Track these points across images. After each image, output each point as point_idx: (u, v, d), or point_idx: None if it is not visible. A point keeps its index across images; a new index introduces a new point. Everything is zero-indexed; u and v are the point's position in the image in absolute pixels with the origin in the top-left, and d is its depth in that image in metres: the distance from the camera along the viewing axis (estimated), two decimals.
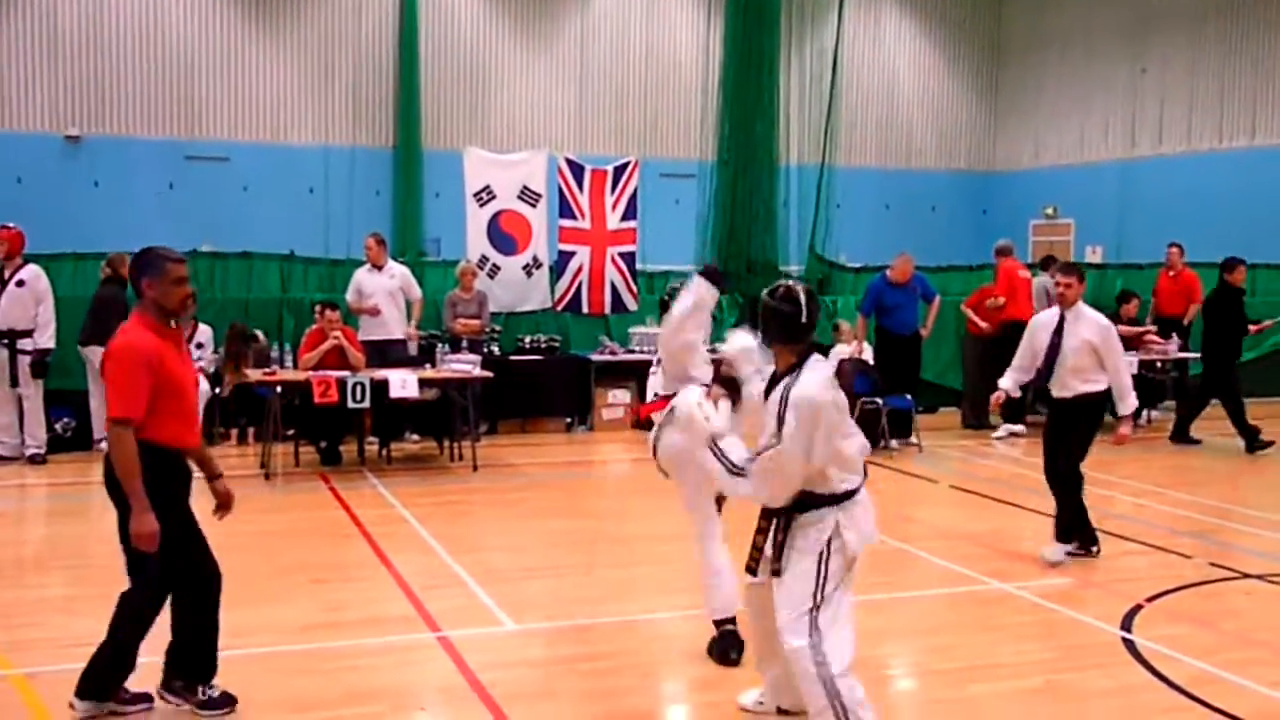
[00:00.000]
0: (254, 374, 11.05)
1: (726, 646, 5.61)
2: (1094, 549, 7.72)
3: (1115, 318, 14.03)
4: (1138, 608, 6.63)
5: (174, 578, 4.98)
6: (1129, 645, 6.02)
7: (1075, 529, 7.69)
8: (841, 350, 13.34)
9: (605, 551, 8.17)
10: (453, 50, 17.49)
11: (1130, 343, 13.92)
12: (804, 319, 4.38)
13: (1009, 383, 8.06)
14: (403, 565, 7.39)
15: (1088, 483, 7.81)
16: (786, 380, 4.36)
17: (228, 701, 5.02)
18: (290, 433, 11.20)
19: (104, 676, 4.89)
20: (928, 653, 6.05)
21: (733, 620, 5.60)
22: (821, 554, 4.47)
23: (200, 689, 5.01)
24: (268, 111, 16.82)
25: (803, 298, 4.41)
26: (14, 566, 7.59)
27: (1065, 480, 7.66)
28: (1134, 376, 13.25)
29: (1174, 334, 14.03)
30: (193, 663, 5.04)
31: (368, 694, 5.26)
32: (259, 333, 12.21)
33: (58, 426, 11.33)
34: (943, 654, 5.96)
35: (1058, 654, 5.92)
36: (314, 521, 8.79)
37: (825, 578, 4.46)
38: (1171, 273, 14.41)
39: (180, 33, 16.26)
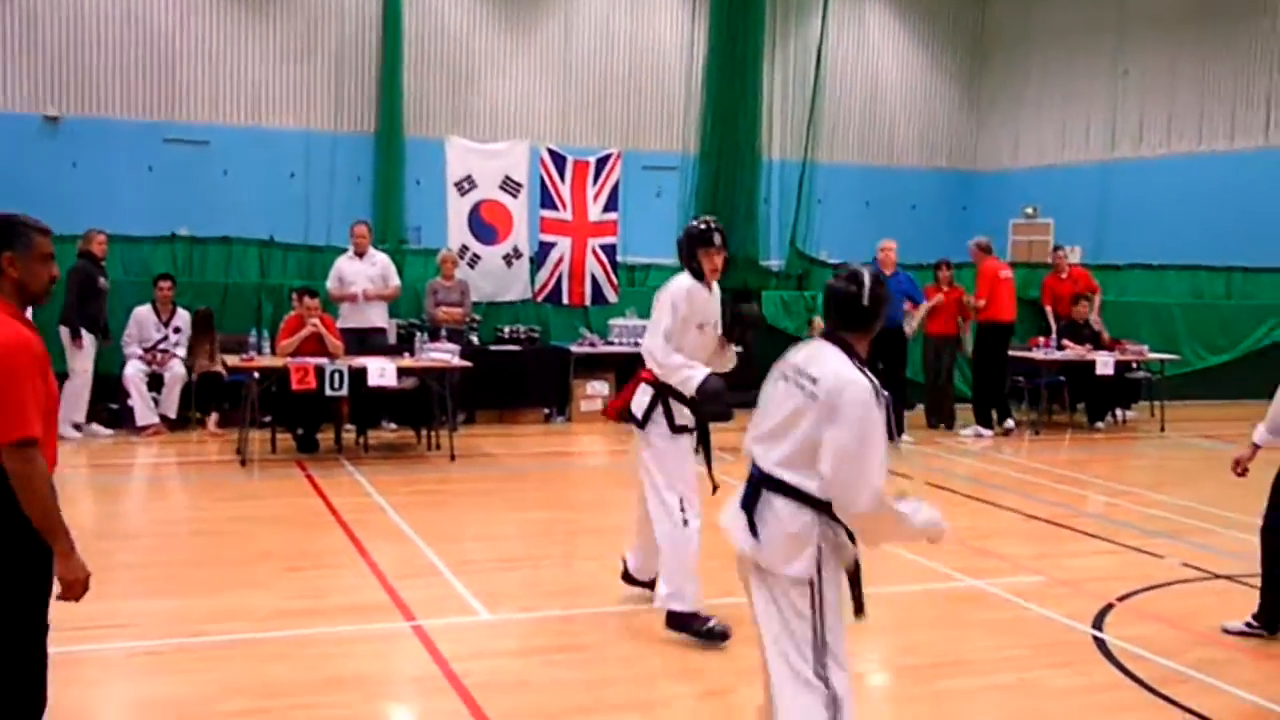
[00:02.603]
0: (230, 360, 11.02)
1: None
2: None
3: (1069, 319, 14.18)
4: (1109, 607, 6.69)
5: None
6: (1100, 644, 6.07)
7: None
8: None
9: (582, 543, 8.19)
10: (436, 37, 17.41)
11: (1104, 345, 14.05)
12: (865, 302, 3.99)
13: (1261, 437, 6.32)
14: (378, 554, 7.38)
15: (1061, 482, 7.85)
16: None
17: None
18: (267, 419, 11.17)
19: None
20: (899, 649, 6.09)
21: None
22: None
23: None
24: (248, 95, 16.69)
25: (867, 279, 4.03)
26: None
27: None
28: (1108, 378, 13.53)
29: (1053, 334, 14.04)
30: None
31: (341, 682, 5.26)
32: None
33: None
34: (914, 650, 6.00)
35: (1029, 651, 5.97)
36: (290, 509, 8.77)
37: None
38: (1062, 275, 14.54)
39: (161, 13, 16.12)
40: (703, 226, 6.09)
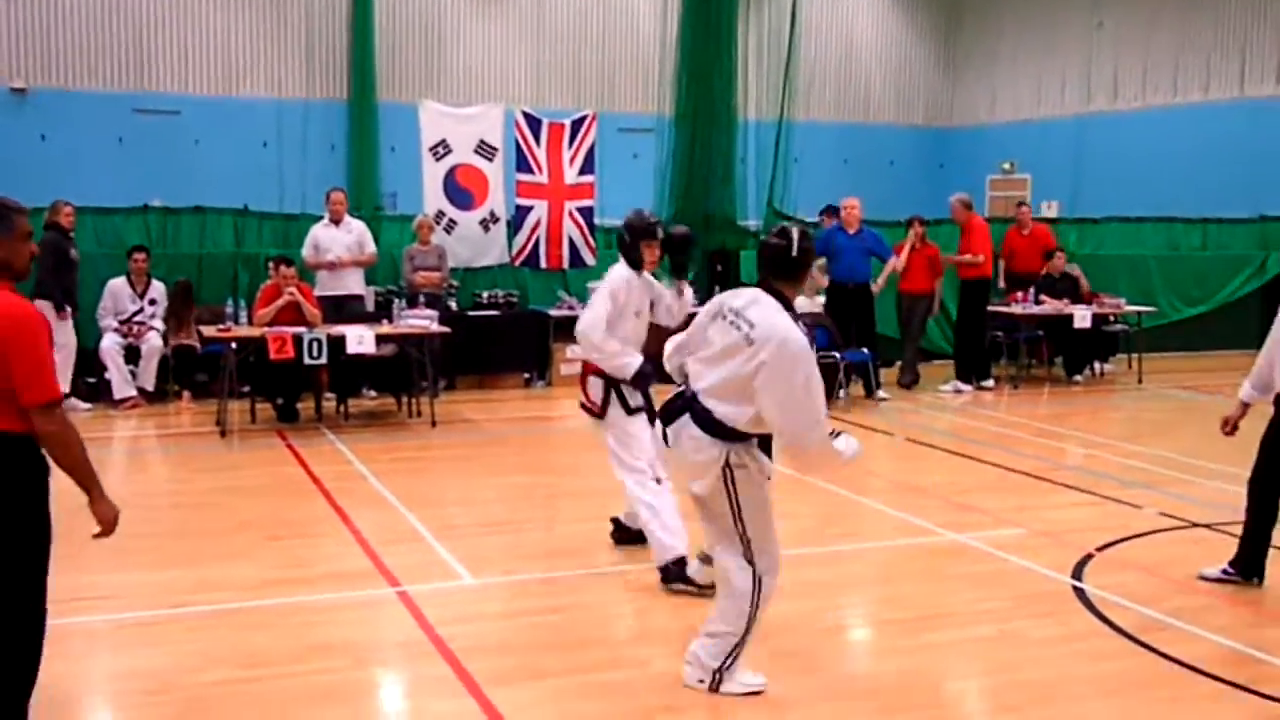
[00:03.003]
0: (206, 330, 10.96)
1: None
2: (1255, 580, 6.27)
3: (1045, 275, 14.20)
4: (1088, 557, 6.75)
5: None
6: (1079, 594, 6.13)
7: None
8: (800, 303, 13.39)
9: (563, 506, 8.21)
10: (408, 1, 17.25)
11: (1083, 299, 14.10)
12: (795, 253, 4.64)
13: (1248, 394, 6.29)
14: (361, 521, 7.38)
15: (1040, 435, 7.90)
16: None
17: None
18: (246, 389, 11.12)
19: None
20: (882, 603, 6.15)
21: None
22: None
23: None
24: (219, 64, 16.53)
25: (794, 234, 4.68)
26: None
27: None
28: (1086, 331, 13.59)
29: (1030, 289, 13.93)
30: None
31: (327, 649, 5.27)
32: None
33: None
34: (897, 604, 6.05)
35: (1009, 603, 6.02)
36: (271, 478, 8.76)
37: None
38: (1024, 231, 14.31)
39: None
40: (647, 221, 6.47)
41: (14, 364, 3.78)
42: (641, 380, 6.29)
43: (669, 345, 5.08)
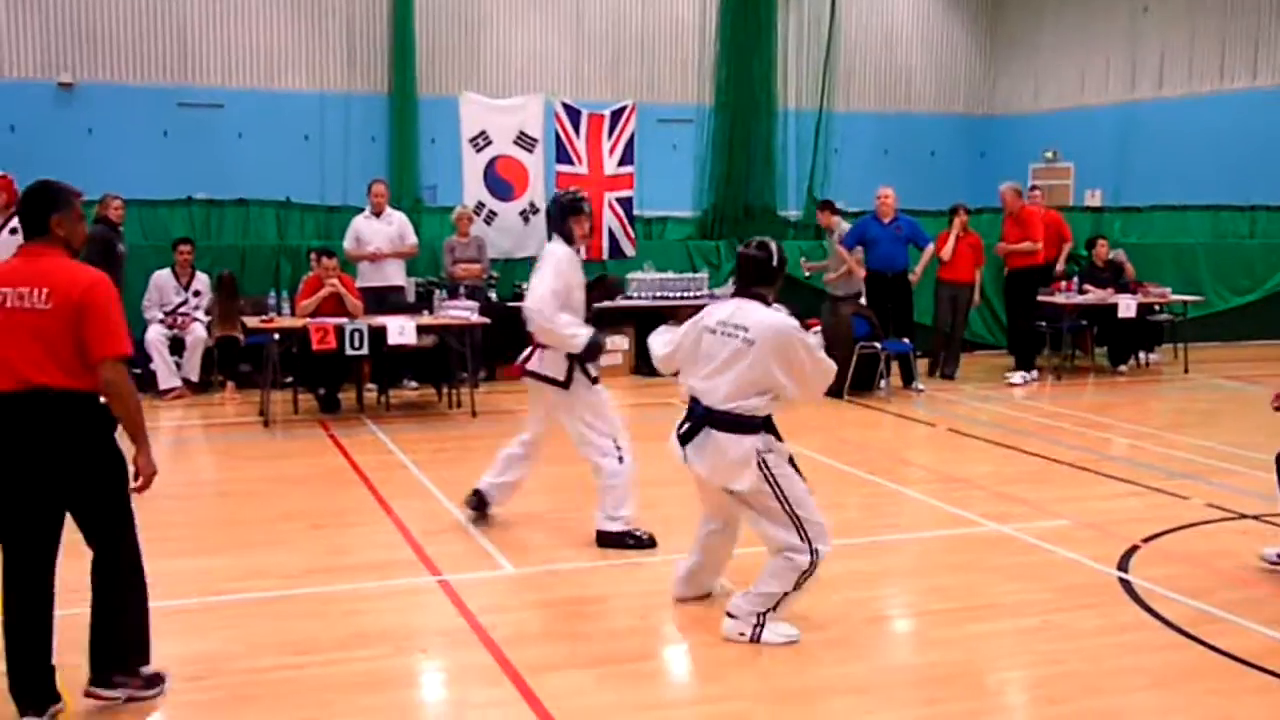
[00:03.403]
0: (250, 321, 11.05)
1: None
2: None
3: (1089, 261, 14.02)
4: (1134, 548, 6.67)
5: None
6: (1125, 585, 6.07)
7: None
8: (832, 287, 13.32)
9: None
10: None
11: (1128, 287, 13.93)
12: (776, 263, 5.24)
13: None
14: (402, 510, 7.42)
15: (1084, 426, 7.82)
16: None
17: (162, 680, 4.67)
18: (289, 380, 11.21)
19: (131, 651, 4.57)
20: (926, 593, 6.10)
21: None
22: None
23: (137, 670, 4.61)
24: (262, 58, 16.66)
25: (774, 246, 5.26)
26: None
27: None
28: (1131, 320, 13.40)
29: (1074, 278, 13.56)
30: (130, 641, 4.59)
31: (369, 637, 5.30)
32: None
33: None
34: (940, 594, 6.00)
35: (1054, 594, 5.96)
36: (314, 468, 8.82)
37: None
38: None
39: None
40: (574, 197, 6.81)
41: (90, 322, 4.25)
42: (592, 352, 6.56)
43: (662, 342, 5.50)
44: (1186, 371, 13.73)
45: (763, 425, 5.11)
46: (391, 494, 7.86)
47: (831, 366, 5.17)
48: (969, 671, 5.02)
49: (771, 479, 5.08)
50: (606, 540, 6.62)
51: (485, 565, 6.40)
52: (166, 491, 8.27)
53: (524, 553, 6.57)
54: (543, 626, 5.50)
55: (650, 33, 18.37)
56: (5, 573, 4.39)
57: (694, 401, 5.19)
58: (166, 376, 11.56)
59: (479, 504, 7.09)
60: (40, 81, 15.56)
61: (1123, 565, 6.37)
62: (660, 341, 5.57)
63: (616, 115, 14.03)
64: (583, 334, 6.54)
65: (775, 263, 5.23)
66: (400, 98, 16.67)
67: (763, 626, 5.16)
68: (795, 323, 5.10)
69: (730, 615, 5.21)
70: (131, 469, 4.47)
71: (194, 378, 11.77)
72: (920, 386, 12.28)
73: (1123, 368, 13.87)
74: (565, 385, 6.60)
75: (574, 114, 13.88)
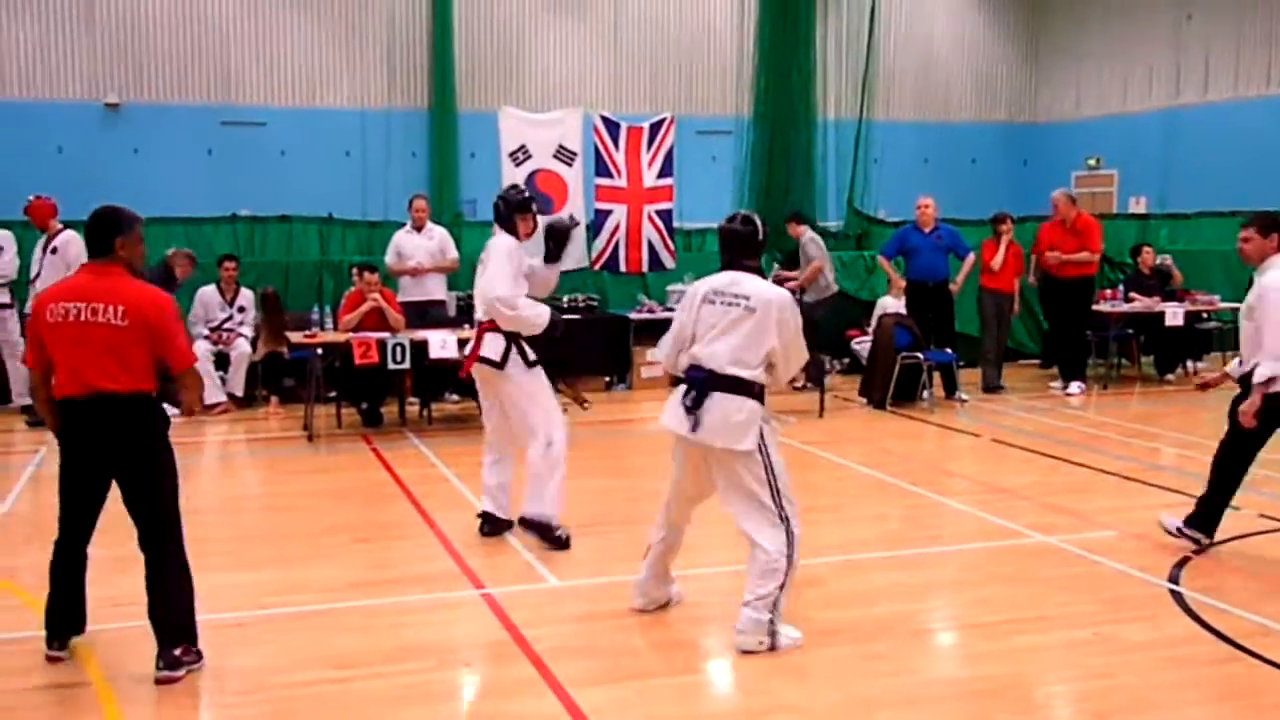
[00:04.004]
0: (293, 336, 11.14)
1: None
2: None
3: (1134, 269, 13.84)
4: (1185, 559, 6.57)
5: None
6: (1176, 597, 5.97)
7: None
8: (886, 303, 13.26)
9: (645, 508, 8.15)
10: (486, 10, 17.41)
11: (1175, 294, 13.74)
12: (761, 237, 5.48)
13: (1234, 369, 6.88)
14: (445, 523, 7.44)
15: (1131, 436, 7.71)
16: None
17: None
18: (332, 395, 11.28)
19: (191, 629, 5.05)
20: (971, 605, 6.03)
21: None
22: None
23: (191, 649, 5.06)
24: (303, 76, 16.84)
25: (758, 219, 5.52)
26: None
27: None
28: (1178, 329, 13.23)
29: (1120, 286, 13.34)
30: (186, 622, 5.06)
31: (413, 651, 5.31)
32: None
33: None
34: (986, 606, 5.93)
35: (1103, 606, 5.88)
36: (357, 482, 8.87)
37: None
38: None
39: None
40: (522, 196, 7.13)
41: (166, 341, 4.87)
42: (554, 328, 6.90)
43: (664, 346, 5.60)
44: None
45: (759, 394, 5.28)
46: (434, 507, 7.88)
47: (805, 352, 5.44)
48: (1016, 685, 4.96)
49: (765, 448, 5.25)
50: (528, 525, 6.88)
51: (528, 578, 6.40)
52: (212, 505, 8.39)
53: (567, 565, 6.56)
54: (586, 640, 5.49)
55: (688, 45, 18.39)
56: (61, 528, 5.08)
57: (693, 369, 5.31)
58: (212, 391, 11.65)
59: (491, 525, 7.17)
60: (87, 102, 15.80)
61: (1173, 577, 6.28)
62: (661, 351, 5.69)
63: (655, 128, 14.04)
64: (545, 312, 6.88)
65: (760, 236, 5.48)
66: (440, 113, 16.79)
67: (776, 632, 5.23)
68: (792, 302, 5.34)
69: (741, 632, 5.24)
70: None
71: (239, 393, 11.88)
72: (964, 397, 12.17)
73: (1170, 377, 13.68)
74: (500, 366, 6.82)
75: (613, 127, 13.91)
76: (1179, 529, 6.86)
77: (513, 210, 7.02)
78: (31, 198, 10.91)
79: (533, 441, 6.85)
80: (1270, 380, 6.31)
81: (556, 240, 7.19)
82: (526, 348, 6.90)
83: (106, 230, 4.92)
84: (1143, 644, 5.36)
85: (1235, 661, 5.15)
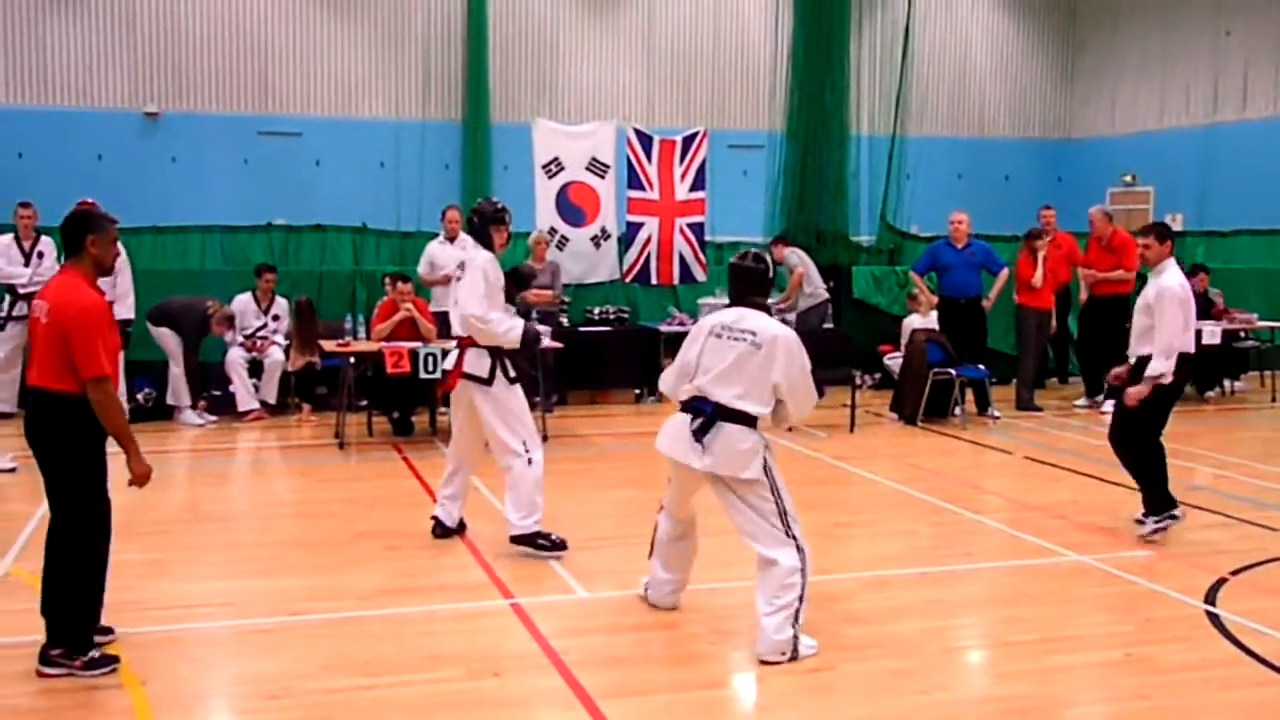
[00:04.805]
0: (326, 345, 11.20)
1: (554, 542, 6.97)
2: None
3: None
4: (1222, 581, 6.48)
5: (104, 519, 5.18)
6: (1213, 619, 5.89)
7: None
8: (914, 320, 13.20)
9: None
10: (521, 23, 17.47)
11: (1211, 313, 13.61)
12: (771, 275, 5.72)
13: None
14: (474, 533, 7.44)
15: (1169, 455, 7.63)
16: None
17: (111, 661, 5.10)
18: (363, 403, 11.33)
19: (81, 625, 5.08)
20: (1004, 624, 5.97)
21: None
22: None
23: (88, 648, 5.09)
24: (339, 87, 16.94)
25: (769, 258, 5.80)
26: None
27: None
28: (1216, 348, 13.09)
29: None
30: (84, 618, 5.10)
31: (442, 659, 5.31)
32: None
33: (139, 397, 11.57)
34: (1019, 625, 5.87)
35: (1138, 627, 5.81)
36: (387, 490, 8.90)
37: None
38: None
39: (254, 10, 16.42)
40: (496, 208, 7.17)
41: (73, 347, 4.85)
42: (529, 343, 7.00)
43: (669, 376, 5.79)
44: (1275, 400, 13.38)
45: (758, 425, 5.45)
46: (464, 517, 7.87)
47: (815, 393, 5.55)
48: (1050, 705, 4.90)
49: (770, 472, 5.39)
50: (520, 540, 6.96)
51: (557, 589, 6.39)
52: (244, 511, 8.44)
53: (595, 576, 6.55)
54: (614, 651, 5.47)
55: (721, 59, 18.38)
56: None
57: (700, 400, 5.44)
58: (245, 399, 11.74)
59: (441, 530, 7.39)
60: (127, 111, 15.94)
61: (1210, 598, 6.19)
62: (665, 382, 5.88)
63: (688, 141, 14.07)
64: (517, 326, 6.95)
65: (771, 275, 5.72)
66: (474, 125, 16.85)
67: (798, 639, 5.30)
68: (798, 341, 5.44)
69: (764, 642, 5.30)
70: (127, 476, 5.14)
71: (272, 400, 11.94)
72: (996, 414, 12.08)
73: (1208, 395, 13.54)
74: (488, 383, 6.88)
75: (645, 140, 13.94)
76: (1154, 528, 7.30)
77: (486, 222, 7.11)
78: (79, 204, 11.01)
79: (514, 459, 6.94)
80: (1161, 375, 7.15)
81: (517, 283, 7.37)
82: (509, 364, 6.99)
83: (79, 229, 5.04)
84: (1180, 666, 5.29)
85: (1275, 684, 5.08)
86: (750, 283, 5.59)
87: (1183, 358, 7.24)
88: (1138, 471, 7.44)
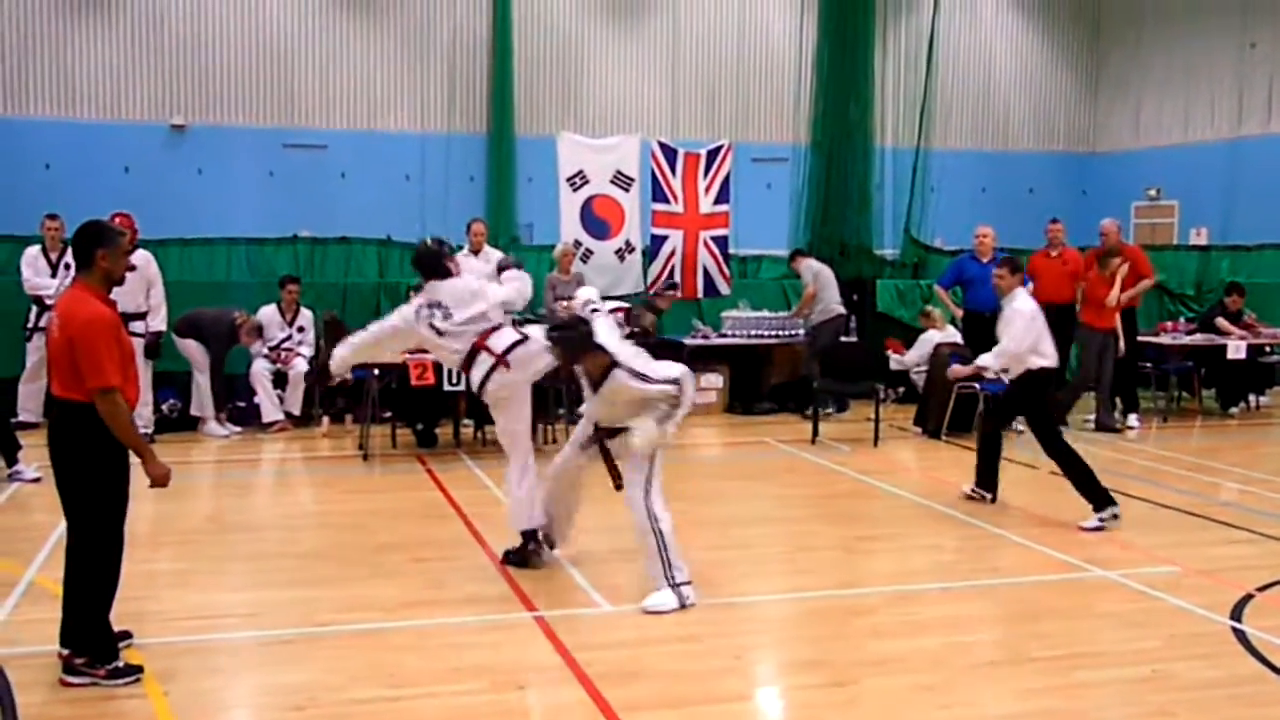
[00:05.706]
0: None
1: (529, 553, 6.99)
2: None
3: (1222, 309, 13.60)
4: (1248, 597, 6.44)
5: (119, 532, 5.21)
6: (1239, 635, 5.86)
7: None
8: (932, 336, 13.18)
9: (696, 534, 8.15)
10: (545, 36, 17.56)
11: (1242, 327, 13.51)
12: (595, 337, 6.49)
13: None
14: (498, 545, 7.44)
15: (1192, 470, 7.60)
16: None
17: (134, 670, 5.15)
18: (387, 415, 11.38)
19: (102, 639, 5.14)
20: (1027, 639, 5.94)
21: (535, 531, 7.02)
22: None
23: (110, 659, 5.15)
24: (364, 100, 17.06)
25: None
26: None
27: None
28: (1240, 361, 13.00)
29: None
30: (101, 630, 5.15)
31: (466, 672, 5.33)
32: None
33: (164, 407, 11.65)
34: (1042, 641, 5.85)
35: (1164, 643, 5.78)
36: (411, 502, 8.93)
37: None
38: (1053, 252, 12.53)
39: (279, 23, 16.57)
40: (439, 245, 7.48)
41: (79, 357, 4.91)
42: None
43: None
44: None
45: None
46: (487, 529, 7.91)
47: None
48: None
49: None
50: (511, 558, 7.09)
51: (581, 602, 6.40)
52: (269, 522, 8.48)
53: (619, 590, 6.55)
54: (638, 665, 5.47)
55: (746, 72, 18.43)
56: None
57: None
58: (270, 410, 11.81)
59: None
60: (154, 124, 16.10)
61: (1236, 615, 6.15)
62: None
63: (712, 155, 14.09)
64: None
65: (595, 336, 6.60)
66: (499, 138, 16.94)
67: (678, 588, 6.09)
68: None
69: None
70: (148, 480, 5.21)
71: (296, 411, 12.01)
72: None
73: (1233, 410, 13.45)
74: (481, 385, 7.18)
75: (670, 153, 13.97)
76: (1099, 519, 7.98)
77: (438, 260, 7.35)
78: (113, 215, 11.10)
79: (522, 467, 7.15)
80: (985, 367, 8.71)
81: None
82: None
83: (89, 242, 5.09)
84: (1206, 682, 5.26)
85: None
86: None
87: (1043, 373, 8.36)
88: (1066, 475, 8.28)
